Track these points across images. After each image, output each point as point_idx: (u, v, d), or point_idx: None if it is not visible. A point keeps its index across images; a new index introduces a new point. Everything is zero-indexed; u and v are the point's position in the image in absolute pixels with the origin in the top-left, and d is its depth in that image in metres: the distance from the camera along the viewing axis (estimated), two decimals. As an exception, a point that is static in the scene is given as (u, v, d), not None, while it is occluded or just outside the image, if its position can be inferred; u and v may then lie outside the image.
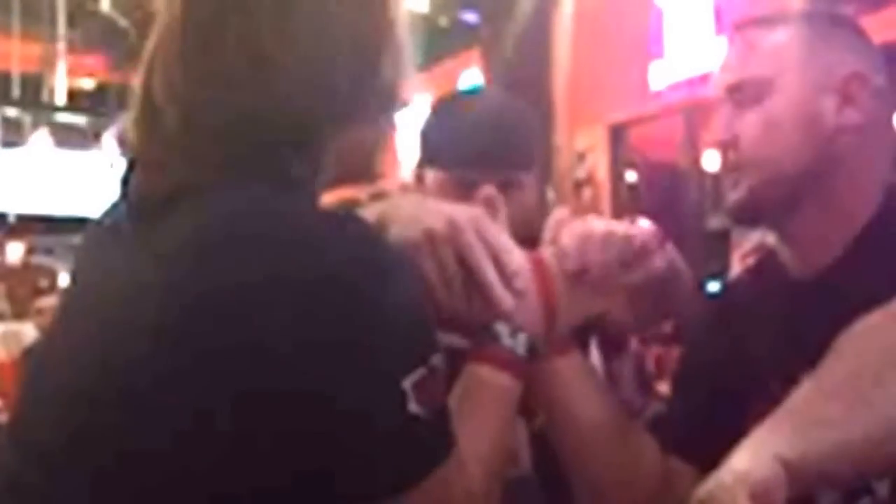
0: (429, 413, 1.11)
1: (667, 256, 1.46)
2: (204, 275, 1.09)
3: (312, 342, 1.07)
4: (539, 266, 1.37)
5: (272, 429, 1.07)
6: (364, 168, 1.31)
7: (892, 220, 1.44)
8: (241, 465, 1.08)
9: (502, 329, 1.31)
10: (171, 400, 1.08)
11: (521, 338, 1.32)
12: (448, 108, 2.02)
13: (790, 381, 1.28)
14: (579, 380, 1.45)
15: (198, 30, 1.20)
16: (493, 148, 1.88)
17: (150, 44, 1.23)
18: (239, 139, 1.17)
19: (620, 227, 1.43)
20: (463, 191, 1.81)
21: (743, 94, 1.47)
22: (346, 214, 1.17)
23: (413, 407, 1.09)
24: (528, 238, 1.88)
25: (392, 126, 1.30)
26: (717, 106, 1.51)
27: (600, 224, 1.42)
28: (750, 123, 1.46)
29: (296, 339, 1.06)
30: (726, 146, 1.48)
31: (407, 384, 1.09)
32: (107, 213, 1.26)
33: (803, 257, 1.49)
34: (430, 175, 1.92)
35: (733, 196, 1.47)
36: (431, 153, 1.96)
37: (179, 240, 1.13)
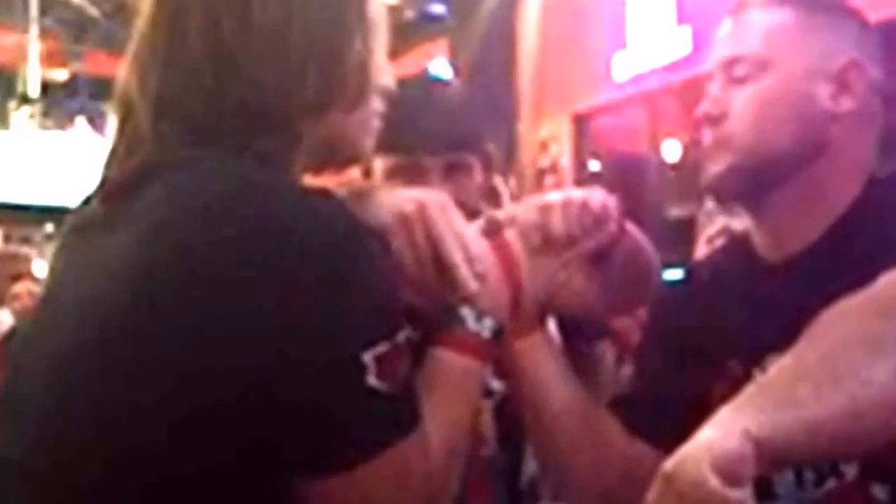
0: (391, 388, 1.10)
1: (627, 228, 1.46)
2: (172, 244, 1.10)
3: (273, 311, 1.07)
4: (503, 250, 1.37)
5: (226, 398, 1.07)
6: (349, 153, 1.32)
7: (869, 211, 1.42)
8: (193, 436, 1.08)
9: (468, 313, 1.30)
10: (140, 369, 1.08)
11: (487, 322, 1.31)
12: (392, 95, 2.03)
13: (752, 363, 1.31)
14: (544, 362, 1.44)
15: (164, 25, 1.21)
16: (438, 130, 1.85)
17: (132, 39, 1.25)
18: (209, 128, 1.18)
19: (576, 193, 1.42)
20: (412, 176, 1.81)
21: (738, 70, 1.44)
22: (318, 190, 1.18)
23: (372, 380, 1.08)
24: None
25: (376, 112, 1.30)
26: (706, 80, 1.49)
27: (556, 194, 1.42)
28: (742, 100, 1.43)
29: (256, 306, 1.07)
30: (714, 120, 1.45)
31: (367, 358, 1.08)
32: (84, 203, 1.26)
33: (777, 241, 1.47)
34: (379, 164, 1.88)
35: (713, 169, 1.45)
36: (378, 142, 1.95)
37: (150, 211, 1.13)
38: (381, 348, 1.09)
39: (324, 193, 1.16)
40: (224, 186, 1.12)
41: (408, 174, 1.82)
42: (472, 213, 1.86)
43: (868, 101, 1.45)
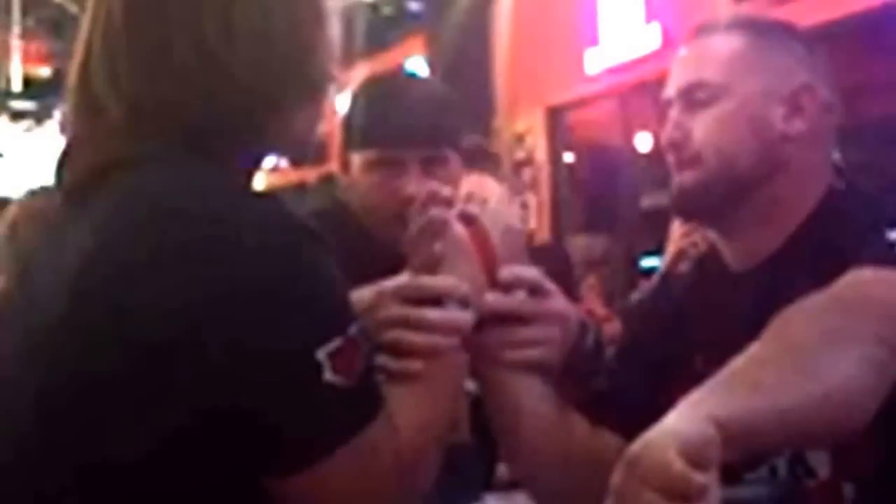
0: (348, 381, 1.10)
1: None
2: (122, 246, 1.10)
3: (221, 316, 1.07)
4: (480, 237, 1.37)
5: (179, 406, 1.07)
6: (300, 148, 1.32)
7: (825, 221, 1.47)
8: (151, 445, 1.07)
9: (451, 303, 1.30)
10: (90, 378, 1.08)
11: (470, 312, 1.31)
12: (369, 92, 2.02)
13: (714, 359, 1.28)
14: (524, 387, 1.44)
15: (142, 25, 1.19)
16: (415, 124, 1.89)
17: (81, 39, 1.23)
18: (181, 126, 1.17)
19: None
20: (390, 170, 1.88)
21: (697, 95, 1.49)
22: (264, 194, 1.20)
23: (328, 376, 1.09)
24: None
25: (324, 107, 1.29)
26: (665, 106, 1.54)
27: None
28: (702, 121, 1.48)
29: (205, 313, 1.07)
30: (677, 144, 1.50)
31: (321, 354, 1.09)
32: (35, 195, 1.29)
33: (741, 254, 1.52)
34: (357, 158, 1.94)
35: (682, 185, 1.50)
36: (356, 136, 1.96)
37: (105, 212, 1.13)
38: (335, 344, 1.10)
39: (268, 197, 1.17)
40: (177, 192, 1.13)
41: (386, 167, 1.89)
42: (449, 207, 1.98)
43: (820, 121, 1.51)
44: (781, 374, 1.11)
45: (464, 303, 1.30)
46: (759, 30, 1.55)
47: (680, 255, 2.78)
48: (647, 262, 6.55)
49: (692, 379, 1.17)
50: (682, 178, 1.50)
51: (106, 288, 1.09)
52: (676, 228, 2.80)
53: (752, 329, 1.22)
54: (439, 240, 1.35)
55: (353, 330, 1.13)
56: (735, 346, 1.19)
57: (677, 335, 1.54)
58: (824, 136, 1.53)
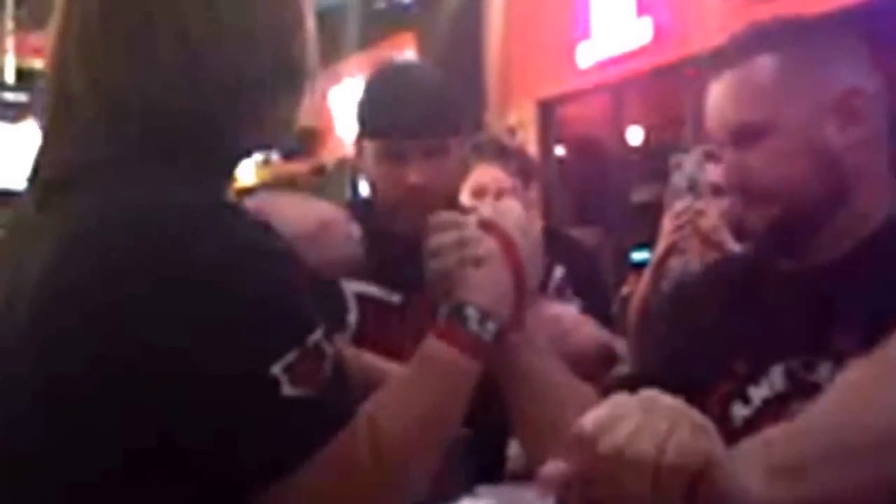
0: (310, 391, 1.09)
1: None
2: (78, 260, 1.09)
3: (169, 336, 1.06)
4: (505, 242, 1.32)
5: (138, 423, 1.07)
6: (283, 137, 1.30)
7: (893, 231, 1.41)
8: (106, 456, 1.07)
9: (472, 313, 1.25)
10: (46, 397, 1.08)
11: (490, 325, 1.26)
12: (377, 82, 2.17)
13: (755, 363, 1.29)
14: (536, 350, 1.39)
15: (122, 23, 1.17)
16: (419, 119, 2.02)
17: (54, 35, 1.21)
18: (162, 126, 1.16)
19: None
20: (396, 160, 2.02)
21: (745, 135, 1.43)
22: (229, 205, 1.17)
23: (287, 390, 1.07)
24: (453, 200, 2.07)
25: (306, 93, 1.27)
26: (716, 149, 1.50)
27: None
28: (757, 160, 1.42)
29: (154, 332, 1.06)
30: (738, 186, 1.44)
31: (277, 370, 1.07)
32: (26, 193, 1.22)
33: (801, 256, 1.46)
34: (368, 147, 2.08)
35: (753, 225, 1.45)
36: (365, 126, 2.12)
37: (69, 222, 1.12)
38: (290, 357, 1.08)
39: (233, 209, 1.15)
40: (138, 207, 1.11)
41: (391, 157, 2.04)
42: (450, 195, 2.04)
43: (876, 119, 1.44)
44: (823, 451, 1.07)
45: (485, 316, 1.26)
46: (787, 40, 1.46)
47: (671, 248, 2.84)
48: (638, 256, 6.58)
49: (733, 382, 1.17)
50: (754, 219, 1.46)
51: (59, 303, 1.09)
52: (668, 222, 2.83)
53: (798, 336, 1.21)
54: (463, 251, 1.31)
55: (312, 339, 1.11)
56: (780, 354, 1.18)
57: (719, 330, 1.49)
58: (882, 131, 1.46)
